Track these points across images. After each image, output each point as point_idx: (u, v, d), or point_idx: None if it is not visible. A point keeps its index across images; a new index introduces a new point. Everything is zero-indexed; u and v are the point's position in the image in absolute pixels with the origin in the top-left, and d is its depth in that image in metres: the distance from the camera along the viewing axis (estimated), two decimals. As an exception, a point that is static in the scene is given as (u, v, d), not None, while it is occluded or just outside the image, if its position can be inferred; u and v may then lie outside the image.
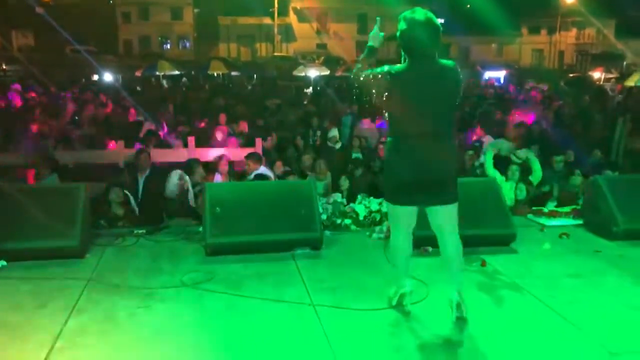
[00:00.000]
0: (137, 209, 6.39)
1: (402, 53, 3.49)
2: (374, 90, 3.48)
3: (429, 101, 3.41)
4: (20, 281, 4.28)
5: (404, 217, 3.66)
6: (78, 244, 4.79)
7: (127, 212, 6.11)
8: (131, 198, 6.39)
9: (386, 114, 3.60)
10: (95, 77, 25.51)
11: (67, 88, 18.50)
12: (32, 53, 33.44)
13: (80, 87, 19.41)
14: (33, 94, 16.64)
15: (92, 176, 7.27)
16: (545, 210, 6.28)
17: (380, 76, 3.42)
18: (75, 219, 4.85)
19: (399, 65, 3.48)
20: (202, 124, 11.04)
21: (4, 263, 4.61)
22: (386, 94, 3.42)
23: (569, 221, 5.98)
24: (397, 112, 3.48)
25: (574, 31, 52.60)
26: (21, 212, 4.83)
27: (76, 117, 12.21)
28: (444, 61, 3.48)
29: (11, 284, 4.24)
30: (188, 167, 6.90)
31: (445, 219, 3.61)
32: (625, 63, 38.01)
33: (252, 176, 6.80)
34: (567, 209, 6.29)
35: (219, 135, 9.46)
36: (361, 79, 3.51)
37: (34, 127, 10.12)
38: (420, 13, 3.39)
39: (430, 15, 3.40)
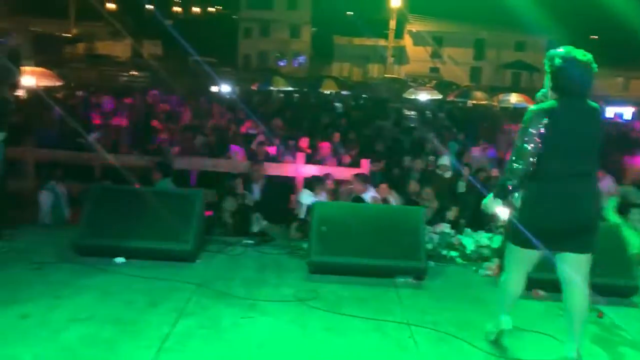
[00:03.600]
0: (255, 217, 6.54)
1: (550, 89, 3.37)
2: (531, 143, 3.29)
3: (580, 141, 3.29)
4: (135, 279, 4.54)
5: (526, 260, 3.50)
6: (191, 249, 5.00)
7: (236, 221, 6.30)
8: (251, 203, 6.61)
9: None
10: (214, 88, 26.67)
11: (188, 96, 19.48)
12: (159, 61, 35.60)
13: (202, 97, 20.34)
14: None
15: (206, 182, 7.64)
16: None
17: (533, 121, 3.27)
18: (191, 223, 5.06)
19: (546, 102, 3.37)
20: (304, 140, 11.11)
21: (123, 259, 4.91)
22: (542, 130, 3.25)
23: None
24: (545, 152, 3.29)
25: None
26: (141, 213, 5.10)
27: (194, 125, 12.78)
28: (591, 102, 3.37)
29: (127, 280, 4.51)
30: (317, 181, 7.03)
31: (577, 267, 3.39)
32: None
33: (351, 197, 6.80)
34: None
35: (325, 152, 9.57)
36: (522, 161, 3.29)
37: (161, 133, 10.75)
38: (579, 52, 3.31)
39: (590, 56, 3.31)
